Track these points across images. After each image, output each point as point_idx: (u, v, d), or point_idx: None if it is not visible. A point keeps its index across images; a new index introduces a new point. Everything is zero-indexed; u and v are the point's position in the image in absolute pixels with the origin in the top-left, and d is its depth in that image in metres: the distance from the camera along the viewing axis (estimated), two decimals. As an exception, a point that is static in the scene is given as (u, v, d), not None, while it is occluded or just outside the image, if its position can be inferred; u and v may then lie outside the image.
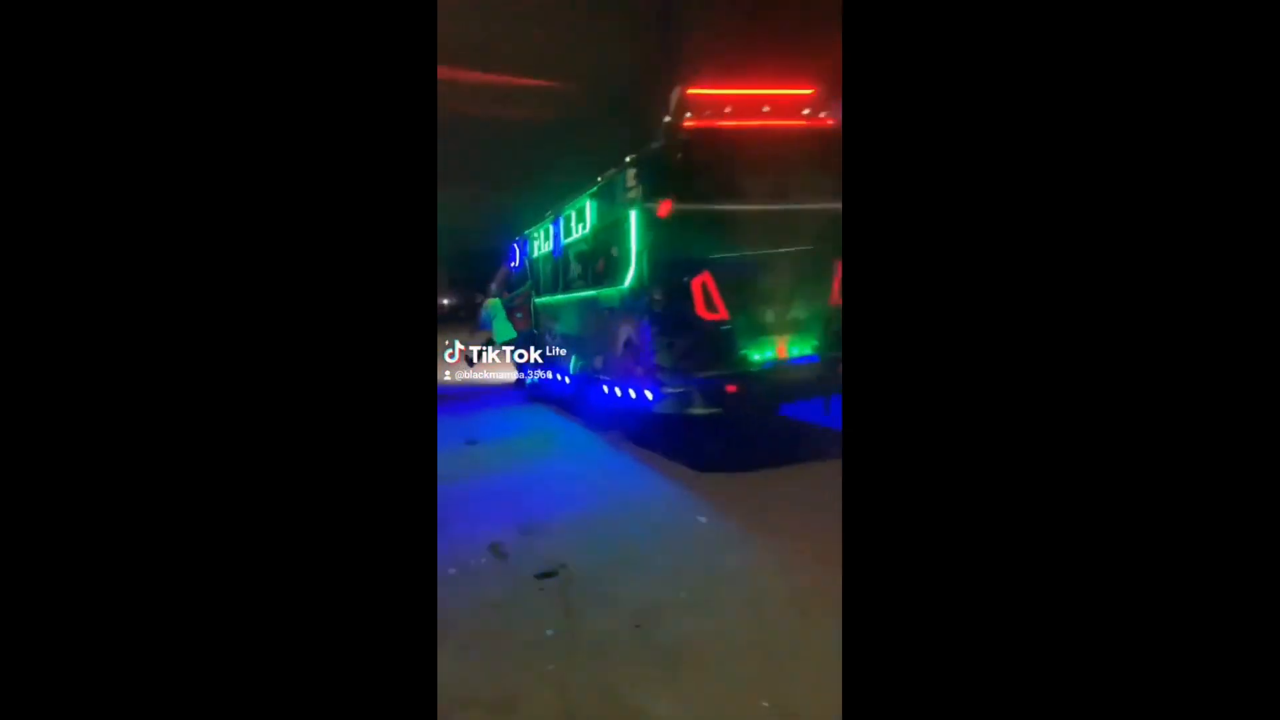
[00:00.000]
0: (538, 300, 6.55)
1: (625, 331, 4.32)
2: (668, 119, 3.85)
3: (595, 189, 4.79)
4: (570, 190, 5.39)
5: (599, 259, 4.81)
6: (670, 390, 3.83)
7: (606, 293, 4.64)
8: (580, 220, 5.20)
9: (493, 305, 7.26)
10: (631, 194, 4.12)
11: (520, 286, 7.20)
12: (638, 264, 4.06)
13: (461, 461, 4.45)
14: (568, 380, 5.63)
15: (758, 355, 3.85)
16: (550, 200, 6.13)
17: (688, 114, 3.82)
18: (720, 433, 4.47)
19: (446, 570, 2.63)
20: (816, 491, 3.29)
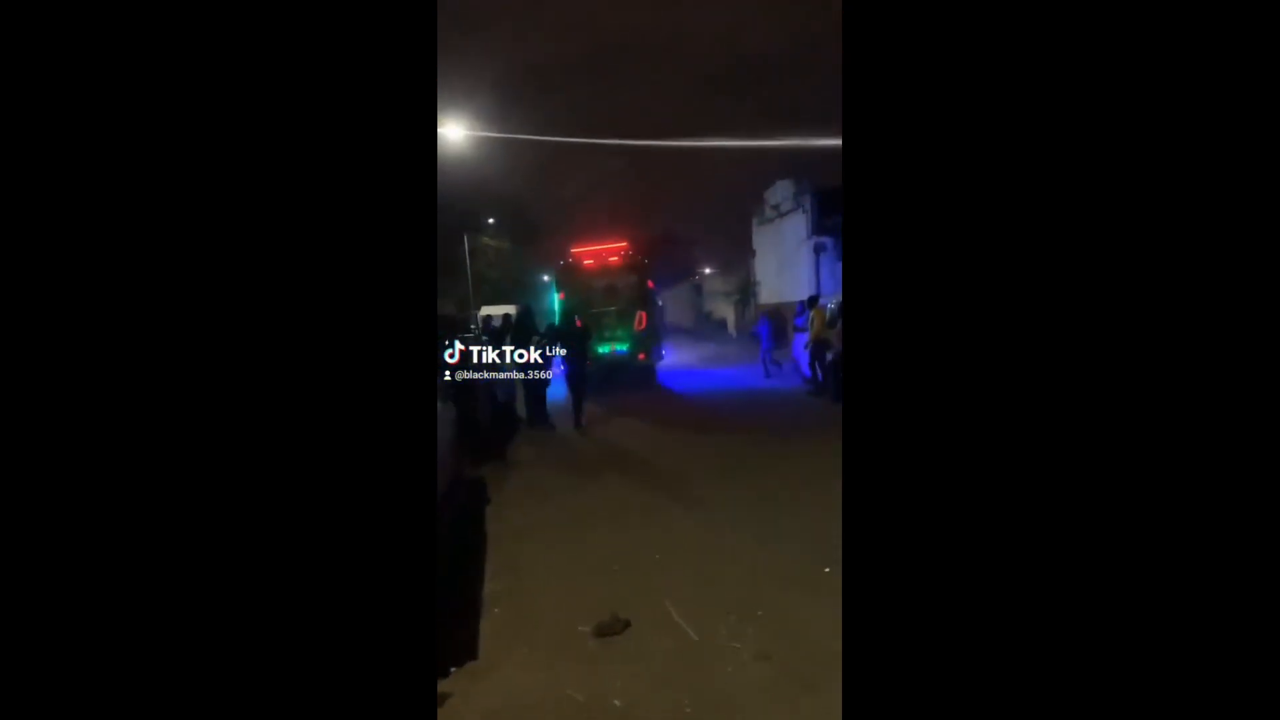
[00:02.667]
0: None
1: (557, 341, 8.78)
2: (562, 261, 10.75)
3: (551, 282, 11.99)
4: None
5: (550, 310, 11.13)
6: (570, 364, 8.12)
7: (552, 325, 10.23)
8: (547, 294, 12.45)
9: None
10: (553, 287, 10.95)
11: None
12: (559, 313, 9.35)
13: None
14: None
15: (602, 350, 9.45)
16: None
17: (572, 257, 10.53)
18: (591, 380, 8.68)
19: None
20: (614, 397, 8.55)
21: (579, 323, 7.44)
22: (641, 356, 10.05)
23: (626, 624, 2.48)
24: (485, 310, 15.26)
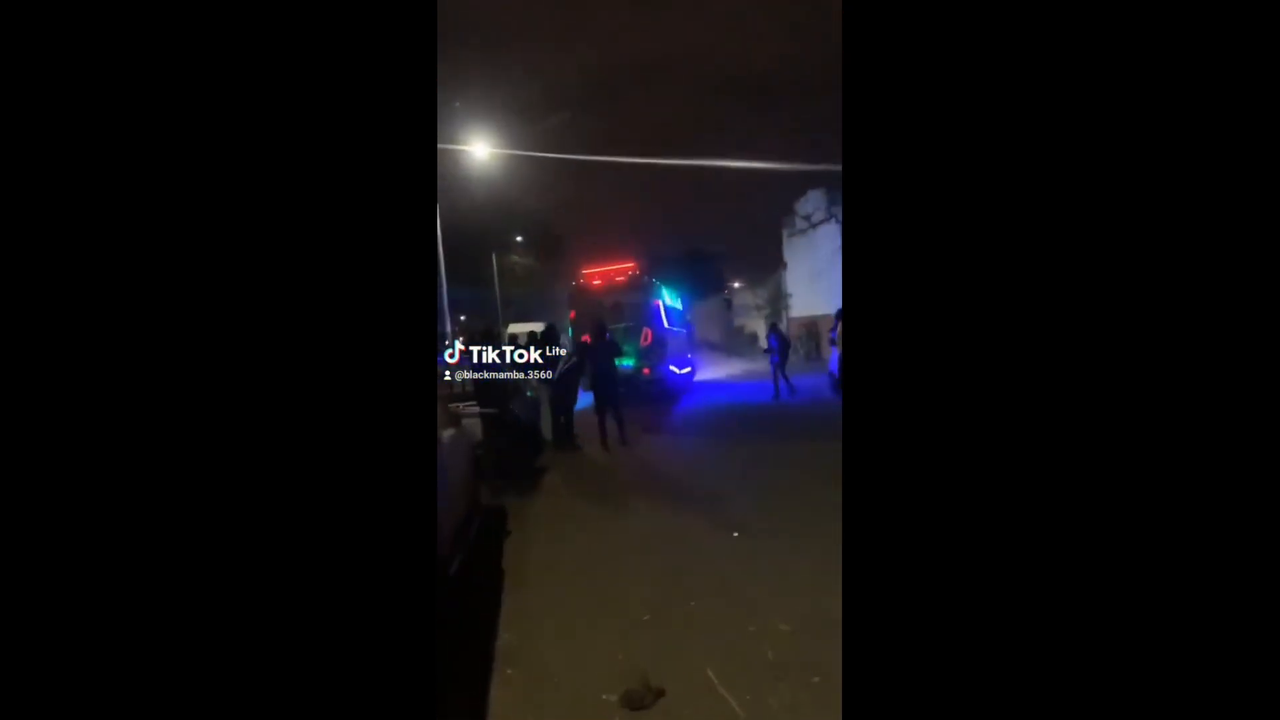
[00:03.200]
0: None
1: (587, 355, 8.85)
2: (574, 282, 12.36)
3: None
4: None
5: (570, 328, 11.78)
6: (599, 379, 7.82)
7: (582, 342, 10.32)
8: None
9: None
10: (568, 308, 11.79)
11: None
12: (571, 331, 10.70)
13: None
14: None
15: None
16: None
17: (582, 280, 12.13)
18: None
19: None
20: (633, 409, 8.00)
21: (608, 335, 7.16)
22: (645, 371, 10.89)
23: (660, 693, 2.10)
24: (513, 328, 15.47)
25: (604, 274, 11.84)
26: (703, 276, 15.11)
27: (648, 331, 10.78)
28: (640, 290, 11.41)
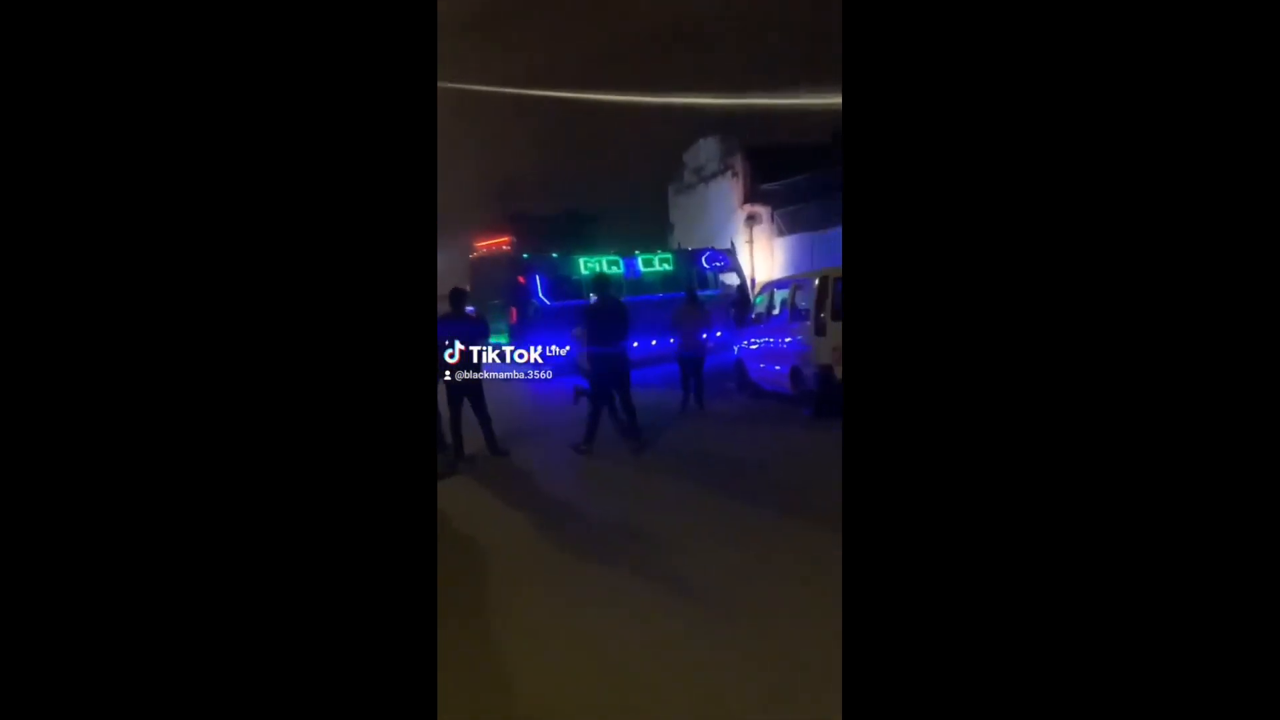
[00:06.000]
0: None
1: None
2: (471, 254, 12.13)
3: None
4: None
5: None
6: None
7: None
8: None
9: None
10: (466, 280, 10.82)
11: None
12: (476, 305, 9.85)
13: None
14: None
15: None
16: None
17: (477, 249, 12.28)
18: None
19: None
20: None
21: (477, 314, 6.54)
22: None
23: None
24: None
25: (488, 246, 12.09)
26: (583, 242, 12.62)
27: (513, 310, 10.55)
28: (509, 266, 11.07)
